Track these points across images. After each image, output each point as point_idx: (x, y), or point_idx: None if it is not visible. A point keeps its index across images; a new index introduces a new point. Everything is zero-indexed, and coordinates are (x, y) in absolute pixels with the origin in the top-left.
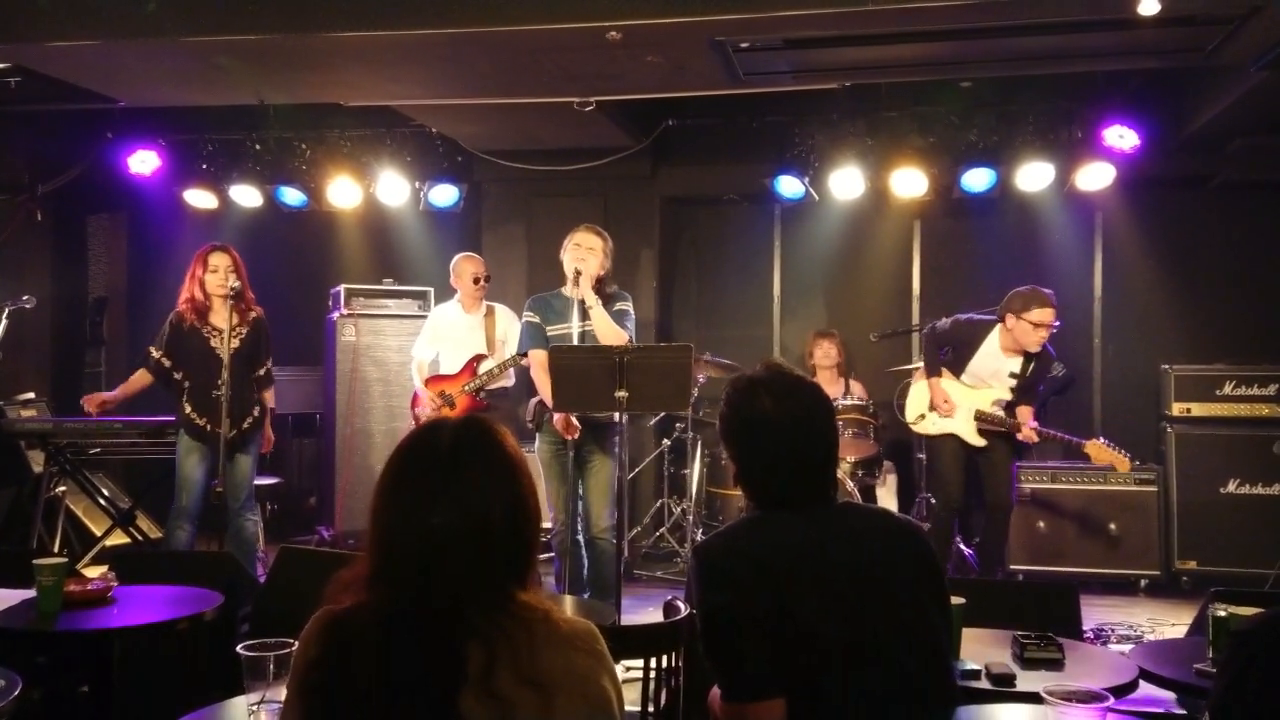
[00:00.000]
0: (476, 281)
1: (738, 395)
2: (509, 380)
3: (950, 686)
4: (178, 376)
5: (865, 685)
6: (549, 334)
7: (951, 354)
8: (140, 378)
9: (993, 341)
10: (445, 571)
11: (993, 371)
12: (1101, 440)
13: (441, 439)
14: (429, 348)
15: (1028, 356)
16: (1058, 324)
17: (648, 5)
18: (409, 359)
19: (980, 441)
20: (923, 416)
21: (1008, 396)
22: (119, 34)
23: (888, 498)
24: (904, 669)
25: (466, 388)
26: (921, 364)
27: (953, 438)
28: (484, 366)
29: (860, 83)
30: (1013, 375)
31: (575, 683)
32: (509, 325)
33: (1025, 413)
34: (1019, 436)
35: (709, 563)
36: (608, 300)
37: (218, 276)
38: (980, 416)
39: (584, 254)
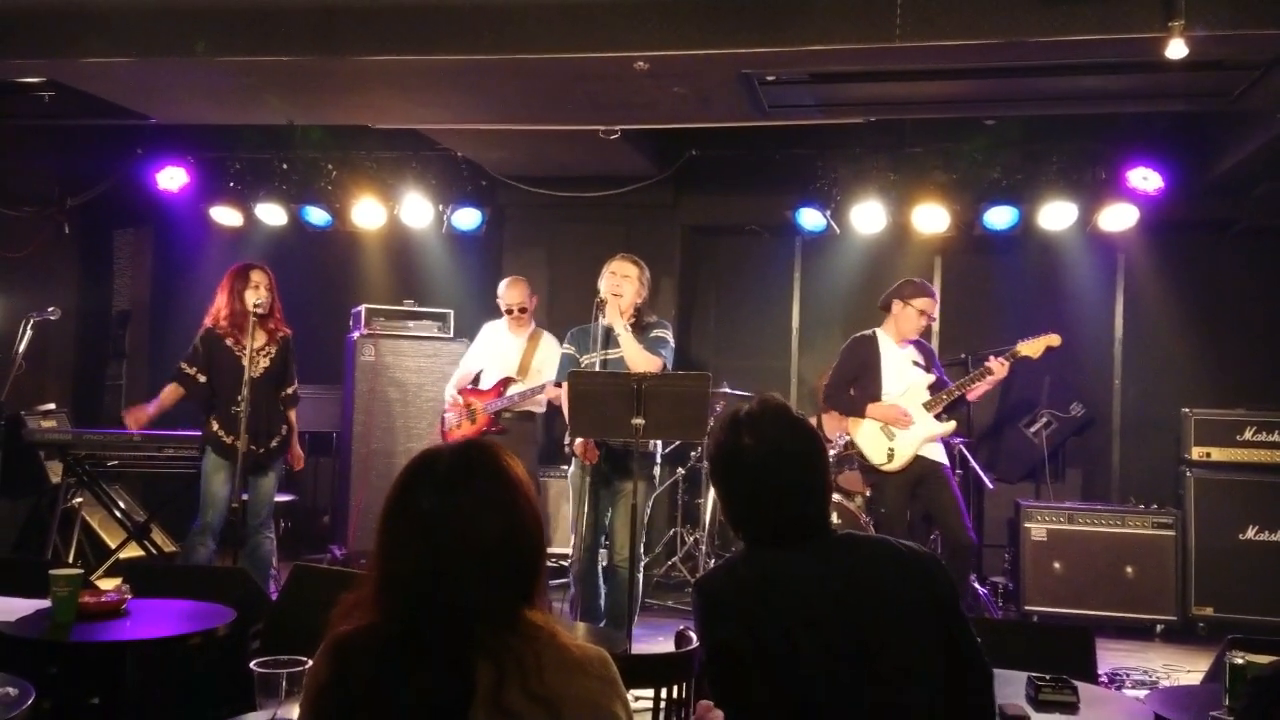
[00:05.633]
0: (509, 313)
1: (721, 432)
2: (540, 406)
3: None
4: (208, 394)
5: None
6: (583, 363)
7: (857, 386)
8: (172, 392)
9: (886, 343)
10: (447, 592)
11: (902, 371)
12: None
13: (439, 463)
14: (472, 360)
15: (918, 346)
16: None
17: (676, 37)
18: (428, 379)
19: (950, 426)
20: (892, 451)
21: (928, 380)
22: (154, 52)
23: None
24: (906, 703)
25: (489, 407)
26: (844, 420)
27: (895, 477)
28: (512, 389)
29: (885, 118)
30: (915, 364)
31: (587, 708)
32: (548, 353)
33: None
34: (995, 374)
35: (712, 598)
36: (644, 328)
37: (259, 293)
38: (931, 405)
39: (619, 282)
